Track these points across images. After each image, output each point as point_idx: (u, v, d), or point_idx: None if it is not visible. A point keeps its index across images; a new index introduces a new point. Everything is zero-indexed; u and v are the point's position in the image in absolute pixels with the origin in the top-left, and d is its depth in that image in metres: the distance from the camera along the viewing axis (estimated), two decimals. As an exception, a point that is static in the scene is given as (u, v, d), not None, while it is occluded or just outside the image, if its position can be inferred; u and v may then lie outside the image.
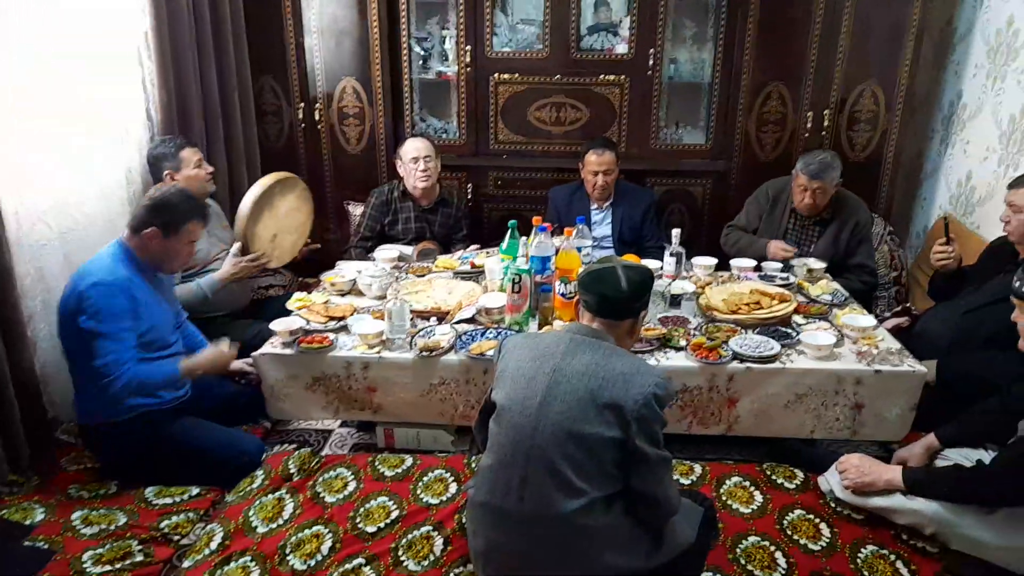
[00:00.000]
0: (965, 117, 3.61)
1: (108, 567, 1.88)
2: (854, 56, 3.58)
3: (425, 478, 2.22)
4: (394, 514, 2.07)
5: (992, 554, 1.81)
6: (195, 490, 2.25)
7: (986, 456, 2.04)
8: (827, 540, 1.98)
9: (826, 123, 3.68)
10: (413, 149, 3.35)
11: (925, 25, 3.53)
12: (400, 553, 1.92)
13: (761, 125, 3.77)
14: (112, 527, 2.04)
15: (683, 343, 2.37)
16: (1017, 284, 1.77)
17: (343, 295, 2.85)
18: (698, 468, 2.29)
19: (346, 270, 3.03)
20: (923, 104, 3.95)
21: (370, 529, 2.01)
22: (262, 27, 3.73)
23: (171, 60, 3.10)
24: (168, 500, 2.19)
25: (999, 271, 2.54)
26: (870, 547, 1.95)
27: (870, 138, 3.73)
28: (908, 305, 3.28)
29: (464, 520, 1.94)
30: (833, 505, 2.09)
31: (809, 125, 3.70)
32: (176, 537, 2.05)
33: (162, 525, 2.07)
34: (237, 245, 2.82)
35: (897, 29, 3.52)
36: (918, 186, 4.07)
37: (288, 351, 2.41)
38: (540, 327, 2.52)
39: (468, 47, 3.79)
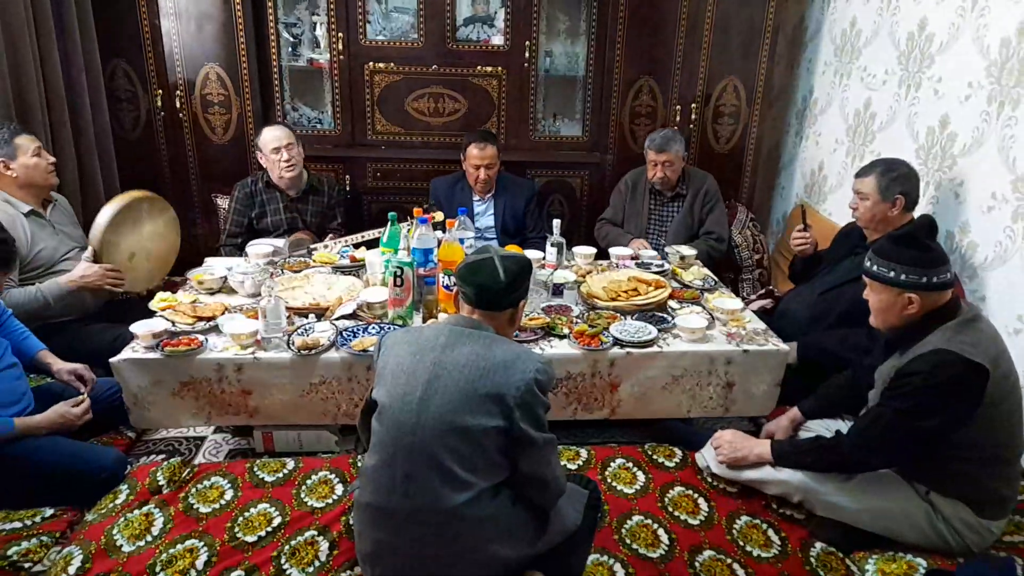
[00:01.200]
0: (816, 111, 3.88)
1: (-56, 607, 1.68)
2: (717, 52, 3.76)
3: (308, 481, 2.13)
4: (276, 521, 1.97)
5: (851, 516, 1.96)
6: (48, 511, 2.03)
7: (844, 426, 2.20)
8: (705, 514, 2.07)
9: (693, 116, 3.85)
10: (273, 139, 3.19)
11: (780, 24, 3.77)
12: (283, 561, 1.84)
13: (634, 118, 3.90)
14: (-53, 561, 1.82)
15: (566, 331, 2.41)
16: (868, 264, 1.92)
17: (212, 294, 2.68)
18: (584, 452, 2.33)
19: (215, 267, 2.86)
20: (779, 99, 4.21)
21: (250, 539, 1.91)
22: (111, 5, 3.46)
23: (2, 39, 2.80)
24: (17, 524, 1.97)
25: (850, 253, 2.74)
26: (744, 518, 2.06)
27: (733, 131, 3.94)
28: (771, 288, 3.50)
29: (351, 522, 1.88)
30: (710, 480, 2.19)
31: (678, 118, 3.85)
32: (27, 565, 1.85)
33: (10, 552, 1.86)
34: (90, 250, 2.58)
35: (754, 27, 3.73)
36: (776, 176, 4.34)
37: (152, 355, 2.24)
38: (424, 320, 2.49)
39: (340, 34, 3.67)
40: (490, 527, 1.58)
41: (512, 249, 2.82)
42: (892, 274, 1.85)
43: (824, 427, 2.25)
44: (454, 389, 1.55)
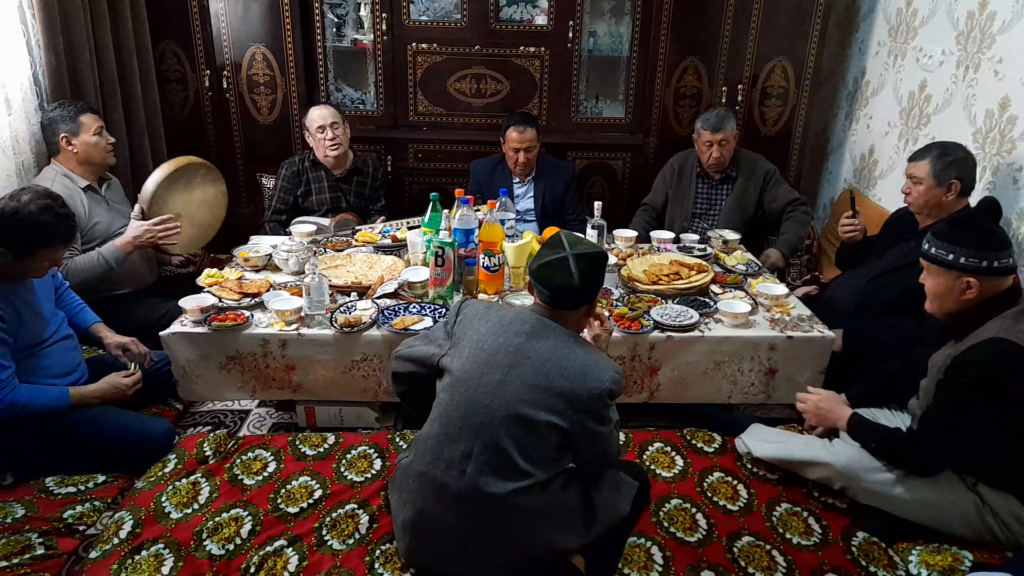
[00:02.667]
0: (868, 93, 3.77)
1: (4, 563, 1.75)
2: (765, 33, 3.68)
3: (348, 456, 2.17)
4: (317, 493, 2.01)
5: (895, 505, 1.91)
6: (101, 478, 2.12)
7: (886, 416, 2.16)
8: (744, 500, 2.05)
9: (740, 98, 3.77)
10: (319, 117, 3.24)
11: (831, 3, 3.66)
12: (324, 533, 1.87)
13: (678, 99, 3.83)
14: (8, 520, 1.90)
15: (606, 314, 2.39)
16: (926, 246, 1.87)
17: (258, 271, 2.73)
18: (622, 436, 2.32)
19: (261, 245, 2.91)
20: (829, 80, 4.10)
21: (292, 510, 1.95)
22: (161, -13, 3.52)
23: (59, 20, 2.87)
24: (72, 489, 2.06)
25: (900, 240, 2.67)
26: (784, 505, 2.03)
27: (781, 113, 3.85)
28: (816, 274, 3.43)
29: (389, 493, 1.91)
30: (750, 466, 2.17)
31: (724, 100, 3.78)
32: (81, 527, 1.93)
33: (65, 515, 1.94)
34: (138, 207, 2.66)
35: (804, 7, 3.63)
36: (824, 160, 4.24)
37: (200, 329, 2.30)
38: (464, 300, 2.49)
39: (384, 15, 3.67)
40: (540, 515, 1.60)
41: (551, 231, 2.82)
42: (951, 257, 1.79)
43: (870, 416, 2.19)
44: (532, 381, 1.58)
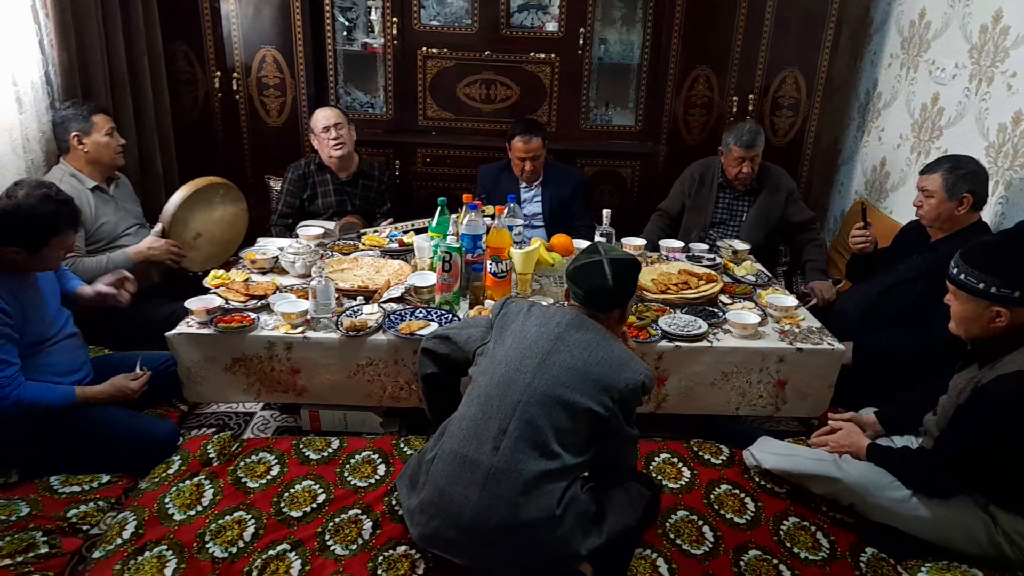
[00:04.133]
0: (880, 105, 3.76)
1: (8, 560, 1.74)
2: (777, 43, 3.66)
3: (352, 460, 2.16)
4: (320, 498, 2.00)
5: (904, 522, 1.89)
6: (105, 477, 2.11)
7: (910, 442, 2.13)
8: (752, 513, 2.03)
9: (751, 108, 3.76)
10: (323, 119, 3.25)
11: (844, 14, 3.65)
12: (327, 537, 1.86)
13: (688, 108, 3.82)
14: (13, 518, 1.89)
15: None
16: (955, 271, 1.82)
17: (264, 273, 2.72)
18: (628, 446, 2.30)
19: (268, 247, 2.91)
20: (841, 91, 4.08)
21: (295, 514, 1.94)
22: (173, -12, 3.52)
23: (71, 19, 2.87)
24: (76, 488, 2.05)
25: (911, 253, 2.65)
26: (792, 519, 2.01)
27: (792, 123, 3.84)
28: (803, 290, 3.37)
29: (396, 489, 1.91)
30: (757, 479, 2.15)
31: (735, 110, 3.77)
32: (85, 527, 1.92)
33: (69, 515, 1.93)
34: (160, 226, 2.69)
35: (817, 18, 3.62)
36: (835, 171, 4.22)
37: (205, 331, 2.29)
38: (471, 307, 2.48)
39: (395, 19, 3.68)
40: (558, 508, 1.62)
41: (559, 238, 2.81)
42: (982, 286, 1.75)
43: (889, 440, 2.16)
44: (571, 365, 1.67)
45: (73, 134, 2.65)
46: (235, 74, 3.70)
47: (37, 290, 2.16)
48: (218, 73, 3.71)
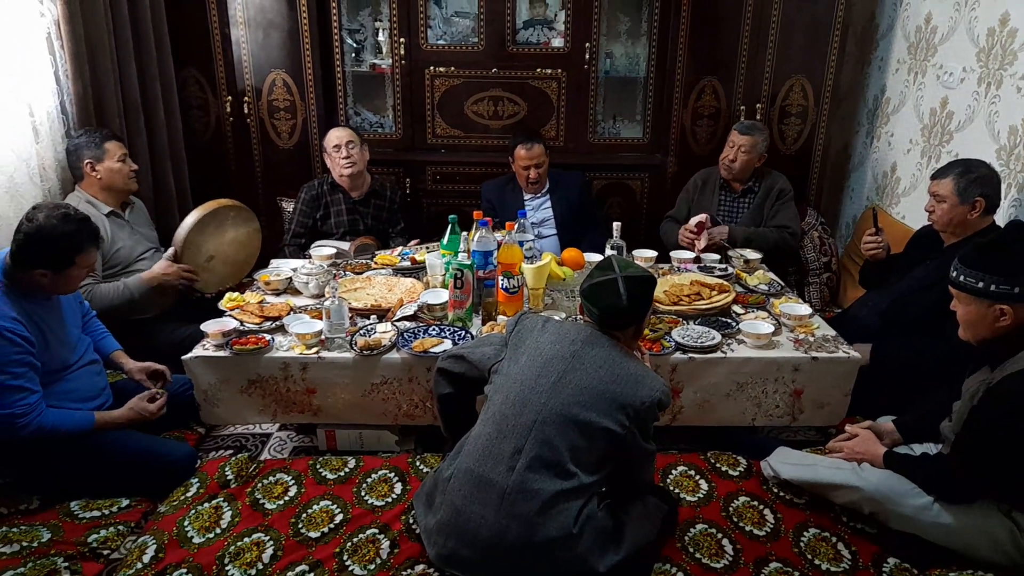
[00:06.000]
0: (889, 111, 3.74)
1: (30, 587, 1.76)
2: (783, 51, 3.67)
3: (369, 479, 2.16)
4: (338, 518, 2.00)
5: (927, 531, 1.86)
6: (124, 502, 2.12)
7: (929, 449, 2.10)
8: (771, 525, 2.01)
9: (758, 117, 3.76)
10: (335, 138, 3.29)
11: (849, 21, 3.66)
12: (345, 558, 1.86)
13: (696, 119, 3.83)
14: (35, 544, 1.90)
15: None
16: (954, 274, 1.82)
17: (278, 294, 2.75)
18: (644, 459, 2.29)
19: (281, 268, 2.93)
20: (848, 98, 4.08)
21: (313, 534, 1.94)
22: (184, 16, 3.58)
23: (85, 50, 2.93)
24: (96, 513, 2.07)
25: (924, 259, 2.63)
26: (812, 530, 1.99)
27: (800, 131, 3.83)
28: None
29: (413, 508, 1.91)
30: (776, 490, 2.13)
31: (743, 119, 3.76)
32: (106, 552, 1.93)
33: (90, 540, 1.95)
34: (172, 250, 2.71)
35: (823, 25, 3.62)
36: (846, 178, 4.20)
37: (221, 353, 2.31)
38: (484, 323, 2.49)
39: (402, 39, 3.72)
40: (575, 527, 1.61)
41: (571, 252, 2.82)
42: (981, 285, 1.75)
43: (908, 448, 2.13)
44: (586, 384, 1.66)
45: (86, 161, 2.69)
46: (246, 98, 3.75)
47: (60, 317, 2.18)
48: (229, 97, 3.75)
